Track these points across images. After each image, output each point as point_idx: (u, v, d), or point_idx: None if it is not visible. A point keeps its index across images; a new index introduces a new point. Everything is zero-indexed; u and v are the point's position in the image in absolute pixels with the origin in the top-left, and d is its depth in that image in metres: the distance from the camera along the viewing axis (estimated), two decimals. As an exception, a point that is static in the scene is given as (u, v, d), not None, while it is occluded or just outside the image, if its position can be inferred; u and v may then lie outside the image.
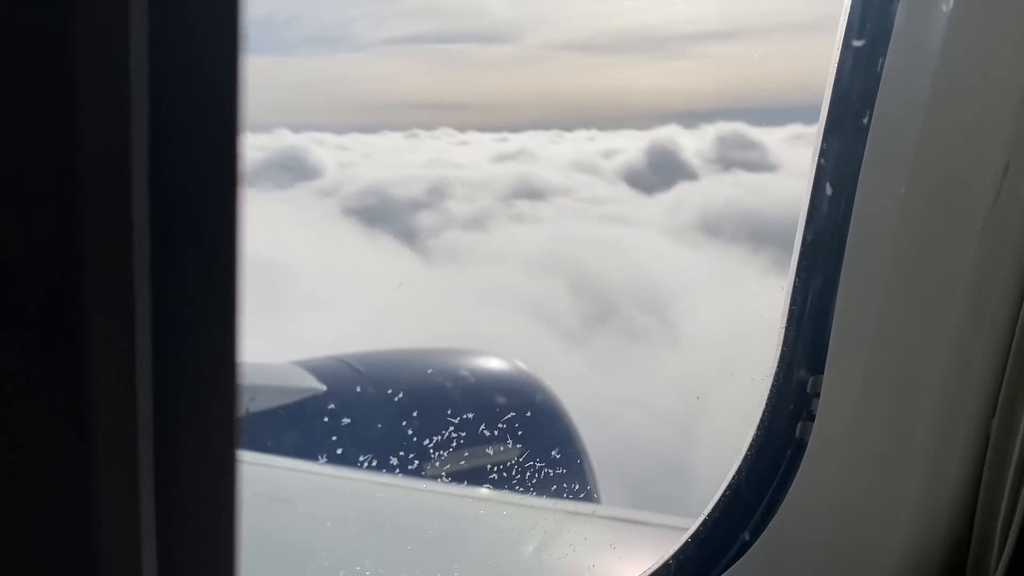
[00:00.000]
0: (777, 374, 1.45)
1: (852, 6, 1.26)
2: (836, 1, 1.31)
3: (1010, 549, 1.23)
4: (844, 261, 1.33)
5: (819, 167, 1.36)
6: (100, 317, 0.52)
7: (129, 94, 0.50)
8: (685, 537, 1.49)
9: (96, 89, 0.49)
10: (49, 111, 0.49)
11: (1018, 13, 1.16)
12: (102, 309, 0.52)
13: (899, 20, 1.20)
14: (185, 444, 0.56)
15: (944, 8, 1.17)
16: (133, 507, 0.54)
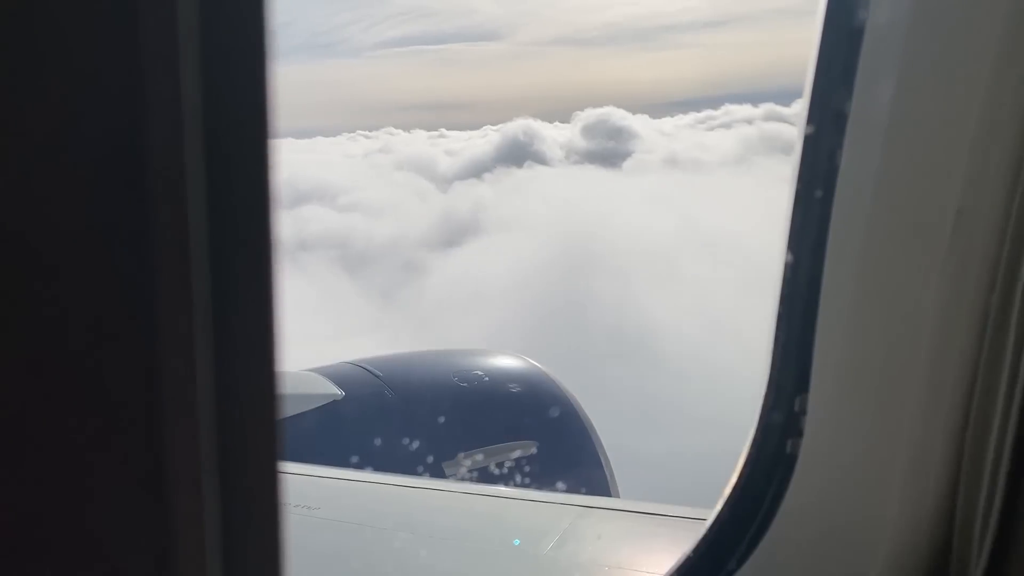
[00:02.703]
0: (767, 395, 1.54)
1: (814, 84, 1.35)
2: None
3: (986, 556, 1.33)
4: (822, 289, 1.42)
5: (795, 198, 1.45)
6: (167, 320, 0.55)
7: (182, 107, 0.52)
8: (685, 555, 1.60)
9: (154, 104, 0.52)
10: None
11: (966, 64, 1.24)
12: (169, 313, 0.55)
13: (859, 76, 1.29)
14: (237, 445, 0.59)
15: (896, 61, 1.26)
16: (198, 504, 0.58)
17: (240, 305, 0.58)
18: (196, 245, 0.55)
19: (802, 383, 1.48)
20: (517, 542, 2.71)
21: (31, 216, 0.53)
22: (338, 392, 4.97)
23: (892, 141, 1.30)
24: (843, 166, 1.36)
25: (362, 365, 5.31)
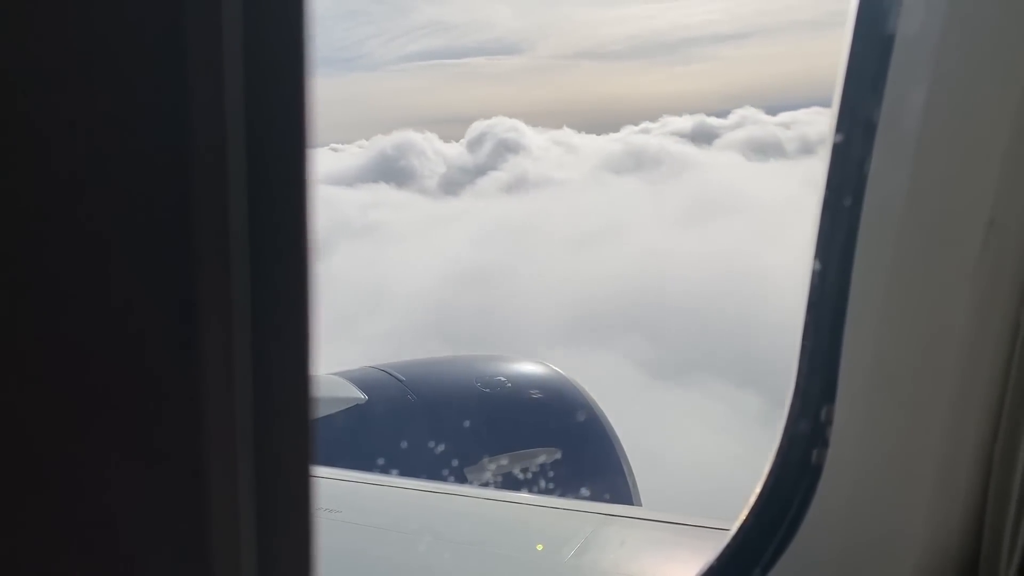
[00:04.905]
0: (792, 404, 1.53)
1: (844, 92, 1.34)
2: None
3: (1015, 570, 1.31)
4: (850, 298, 1.41)
5: (823, 206, 1.44)
6: (207, 317, 0.55)
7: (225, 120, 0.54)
8: (708, 563, 1.58)
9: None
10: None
11: (997, 73, 1.23)
12: (208, 310, 0.55)
13: (889, 84, 1.28)
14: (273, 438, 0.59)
15: (927, 69, 1.25)
16: (234, 502, 0.59)
17: (278, 309, 0.59)
18: (236, 250, 0.56)
19: (829, 393, 1.47)
20: (540, 547, 2.70)
21: (69, 217, 0.53)
22: (361, 396, 4.96)
23: (922, 150, 1.29)
24: (872, 175, 1.35)
25: (385, 369, 5.31)
